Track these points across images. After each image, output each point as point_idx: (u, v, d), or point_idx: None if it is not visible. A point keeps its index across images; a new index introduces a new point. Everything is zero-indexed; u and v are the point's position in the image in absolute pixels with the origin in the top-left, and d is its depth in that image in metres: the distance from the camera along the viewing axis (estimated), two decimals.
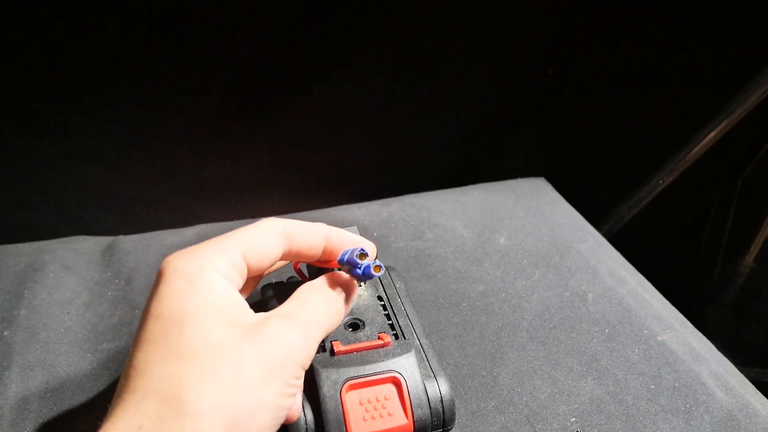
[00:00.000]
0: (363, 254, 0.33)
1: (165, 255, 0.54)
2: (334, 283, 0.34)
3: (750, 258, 0.80)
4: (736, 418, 0.43)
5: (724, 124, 0.68)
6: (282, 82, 0.72)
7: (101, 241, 0.58)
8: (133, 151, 0.75)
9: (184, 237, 0.58)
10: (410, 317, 0.43)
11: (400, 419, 0.36)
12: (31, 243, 0.56)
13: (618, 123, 0.83)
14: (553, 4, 0.72)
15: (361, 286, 0.44)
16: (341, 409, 0.35)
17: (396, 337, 0.40)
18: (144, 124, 0.73)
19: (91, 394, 0.42)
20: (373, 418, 0.36)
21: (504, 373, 0.46)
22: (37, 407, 0.41)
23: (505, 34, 0.74)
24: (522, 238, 0.60)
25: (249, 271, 0.32)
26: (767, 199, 0.78)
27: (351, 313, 0.41)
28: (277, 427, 0.29)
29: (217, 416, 0.25)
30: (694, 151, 0.69)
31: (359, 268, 0.33)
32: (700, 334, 0.51)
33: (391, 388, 0.37)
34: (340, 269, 0.35)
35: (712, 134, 0.69)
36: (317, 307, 0.32)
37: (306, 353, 0.30)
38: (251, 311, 0.30)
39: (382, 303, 0.43)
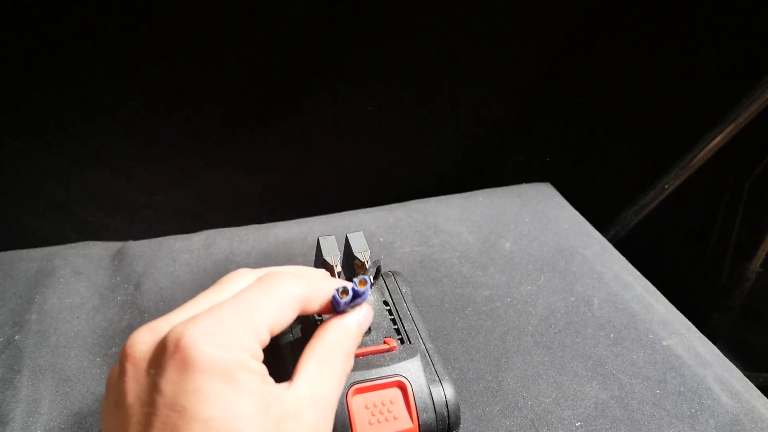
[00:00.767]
0: (344, 291, 0.33)
1: (174, 260, 0.55)
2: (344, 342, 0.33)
3: (757, 262, 0.80)
4: (742, 423, 0.43)
5: (730, 128, 0.68)
6: (288, 89, 0.73)
7: (111, 246, 0.59)
8: (141, 157, 0.76)
9: (192, 242, 0.58)
10: (416, 322, 0.43)
11: (406, 423, 0.36)
12: (42, 248, 0.57)
13: (624, 127, 0.83)
14: (558, 10, 0.72)
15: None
16: (347, 413, 0.35)
17: (401, 341, 0.40)
18: (152, 131, 0.74)
19: (100, 398, 0.43)
20: (378, 421, 0.36)
21: (509, 378, 0.46)
22: (48, 410, 0.41)
23: (511, 40, 0.74)
24: (527, 243, 0.60)
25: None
26: None
27: None
28: None
29: None
30: (700, 156, 0.69)
31: (344, 303, 0.33)
32: (705, 339, 0.51)
33: (396, 392, 0.37)
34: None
35: (719, 138, 0.69)
36: (337, 380, 0.31)
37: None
38: (280, 392, 0.28)
39: (388, 308, 0.43)
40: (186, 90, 0.70)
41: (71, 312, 0.50)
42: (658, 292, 0.56)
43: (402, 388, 0.37)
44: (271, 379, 0.28)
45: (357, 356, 0.38)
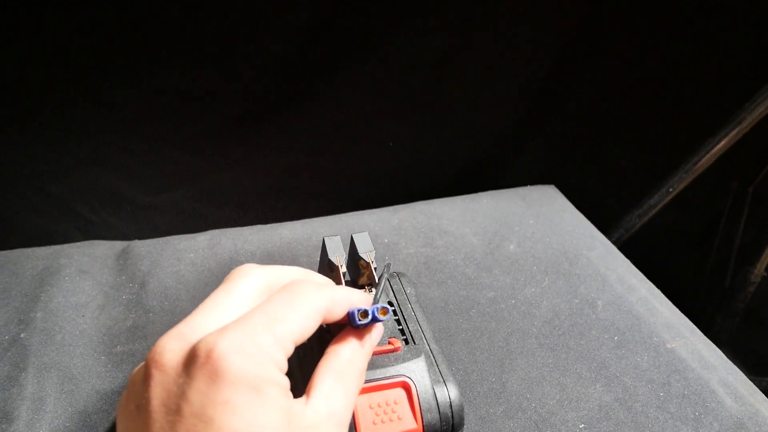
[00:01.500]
0: (364, 313, 0.34)
1: (178, 260, 0.55)
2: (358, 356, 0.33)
3: (761, 267, 0.80)
4: (746, 426, 0.43)
5: (734, 132, 0.68)
6: (293, 90, 0.73)
7: (116, 245, 0.59)
8: (146, 157, 0.76)
9: (197, 242, 0.58)
10: (420, 323, 0.43)
11: (410, 423, 0.36)
12: (48, 247, 0.57)
13: (628, 131, 0.83)
14: (563, 14, 0.72)
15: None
16: (351, 413, 0.36)
17: (406, 342, 0.40)
18: (157, 131, 0.74)
19: (105, 396, 0.43)
20: (383, 422, 0.36)
21: (513, 379, 0.46)
22: (53, 408, 0.42)
23: (516, 43, 0.74)
24: (531, 246, 0.60)
25: None
26: None
27: None
28: None
29: None
30: (704, 160, 0.70)
31: (361, 324, 0.34)
32: (709, 342, 0.51)
33: (400, 393, 0.37)
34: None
35: (723, 143, 0.69)
36: (351, 396, 0.32)
37: None
38: (299, 407, 0.29)
39: (393, 308, 0.43)
40: (191, 90, 0.71)
41: (76, 310, 0.50)
42: (662, 295, 0.56)
43: (406, 388, 0.37)
44: (291, 394, 0.29)
45: None
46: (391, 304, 0.44)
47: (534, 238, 0.61)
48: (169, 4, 0.62)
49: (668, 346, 0.49)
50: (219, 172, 0.80)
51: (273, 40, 0.67)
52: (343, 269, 0.43)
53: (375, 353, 0.38)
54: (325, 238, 0.44)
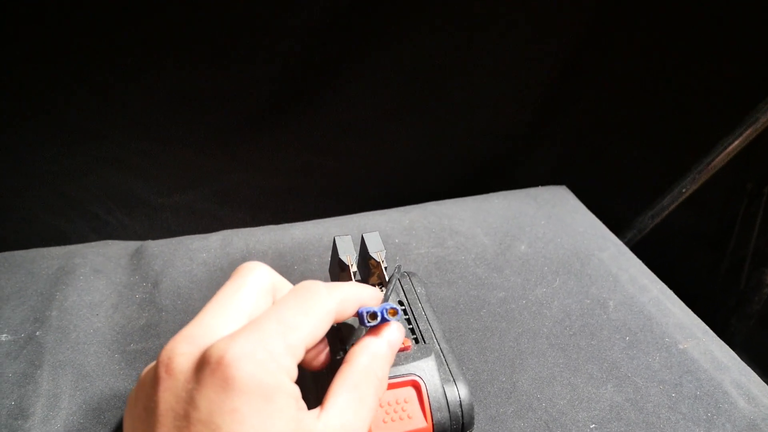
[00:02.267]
0: (372, 315, 0.34)
1: (191, 259, 0.56)
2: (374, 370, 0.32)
3: None
4: (759, 427, 0.43)
5: (749, 131, 0.67)
6: (304, 90, 0.73)
7: (129, 245, 0.59)
8: (160, 158, 0.76)
9: (209, 242, 0.59)
10: (431, 322, 0.43)
11: (420, 422, 0.36)
12: (63, 247, 0.58)
13: (641, 131, 0.82)
14: (574, 12, 0.72)
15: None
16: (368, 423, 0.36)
17: (416, 341, 0.40)
18: (171, 131, 0.74)
19: (118, 393, 0.44)
20: (393, 420, 0.36)
21: (523, 379, 0.46)
22: (67, 405, 0.42)
23: (527, 42, 0.74)
24: (543, 246, 0.60)
25: None
26: None
27: None
28: None
29: None
30: (717, 160, 0.69)
31: (370, 326, 0.34)
32: (722, 343, 0.51)
33: (410, 391, 0.37)
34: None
35: (737, 142, 0.68)
36: (368, 408, 0.31)
37: None
38: (311, 420, 0.28)
39: (403, 308, 0.43)
40: (205, 91, 0.71)
41: (91, 309, 0.51)
42: (675, 296, 0.56)
43: (416, 387, 0.37)
44: (303, 404, 0.28)
45: None
46: (401, 303, 0.44)
47: (545, 239, 0.61)
48: (181, 4, 0.62)
49: (680, 346, 0.49)
50: (232, 172, 0.80)
51: (283, 40, 0.68)
52: (353, 269, 0.43)
53: None
54: (336, 238, 0.44)
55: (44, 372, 0.44)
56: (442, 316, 0.51)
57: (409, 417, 0.36)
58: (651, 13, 0.73)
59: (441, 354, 0.41)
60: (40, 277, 0.54)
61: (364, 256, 0.45)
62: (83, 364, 0.46)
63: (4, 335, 0.47)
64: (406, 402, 0.37)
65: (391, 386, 0.37)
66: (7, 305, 0.50)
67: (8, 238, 0.77)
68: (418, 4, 0.68)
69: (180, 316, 0.51)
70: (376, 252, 0.44)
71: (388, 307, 0.34)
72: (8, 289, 0.52)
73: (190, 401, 0.25)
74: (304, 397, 0.29)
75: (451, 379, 0.38)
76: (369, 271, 0.44)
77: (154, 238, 0.61)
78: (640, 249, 0.68)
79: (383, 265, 0.43)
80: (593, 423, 0.43)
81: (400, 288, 0.46)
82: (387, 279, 0.45)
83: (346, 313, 0.33)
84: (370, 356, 0.32)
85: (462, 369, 0.41)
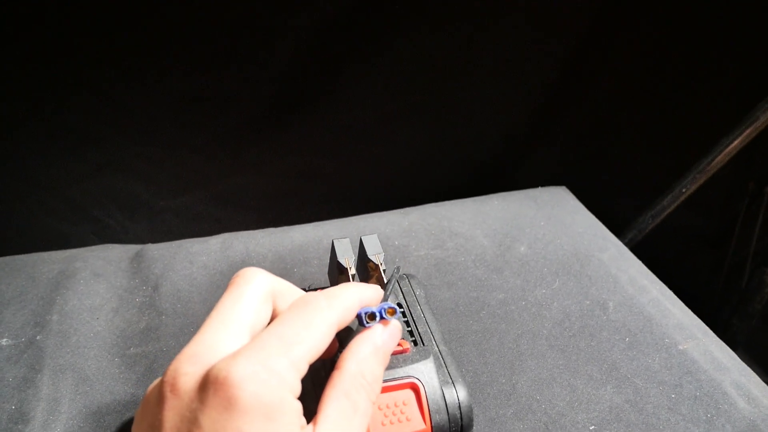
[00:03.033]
0: (371, 316, 0.34)
1: (191, 263, 0.56)
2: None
3: None
4: (759, 428, 0.43)
5: (749, 131, 0.67)
6: (305, 93, 0.73)
7: (130, 249, 0.59)
8: (160, 161, 0.77)
9: (209, 245, 0.59)
10: (429, 324, 0.43)
11: (418, 424, 0.36)
12: (64, 251, 0.58)
13: (640, 131, 0.82)
14: (575, 14, 0.72)
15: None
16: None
17: (415, 343, 0.41)
18: (172, 135, 0.74)
19: (118, 397, 0.44)
20: (391, 423, 0.36)
21: (523, 381, 0.46)
22: (68, 409, 0.42)
23: (527, 44, 0.74)
24: (542, 247, 0.60)
25: None
26: None
27: None
28: None
29: None
30: (717, 160, 0.69)
31: (366, 323, 0.34)
32: (722, 343, 0.51)
33: (409, 394, 0.37)
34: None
35: (737, 142, 0.68)
36: (361, 415, 0.30)
37: None
38: None
39: (402, 310, 0.43)
40: (205, 93, 0.71)
41: (91, 313, 0.51)
42: (675, 296, 0.56)
43: (415, 389, 0.37)
44: (304, 420, 0.28)
45: None
46: (400, 305, 0.44)
47: (545, 240, 0.61)
48: (183, 6, 0.62)
49: (680, 347, 0.49)
50: (233, 175, 0.80)
51: (283, 43, 0.68)
52: (352, 271, 0.43)
53: None
54: (334, 241, 0.44)
55: (44, 376, 0.45)
56: (442, 318, 0.51)
57: (407, 419, 0.36)
58: (651, 14, 0.73)
59: (440, 356, 0.41)
60: (40, 281, 0.54)
61: (362, 258, 0.45)
62: (83, 368, 0.46)
63: (5, 339, 0.48)
64: (404, 404, 0.37)
65: (389, 389, 0.37)
66: (8, 309, 0.50)
67: (10, 242, 0.77)
68: (419, 5, 0.68)
69: (180, 319, 0.51)
70: (375, 255, 0.44)
71: (386, 306, 0.34)
72: (9, 294, 0.52)
73: (194, 421, 0.25)
74: (306, 403, 0.29)
75: (450, 381, 0.39)
76: (368, 273, 0.44)
77: (155, 241, 0.61)
78: (640, 249, 0.68)
79: (382, 268, 0.43)
80: (593, 425, 0.43)
81: (399, 290, 0.46)
82: (386, 281, 0.45)
83: (348, 320, 0.33)
84: (360, 360, 0.31)
85: (461, 371, 0.41)
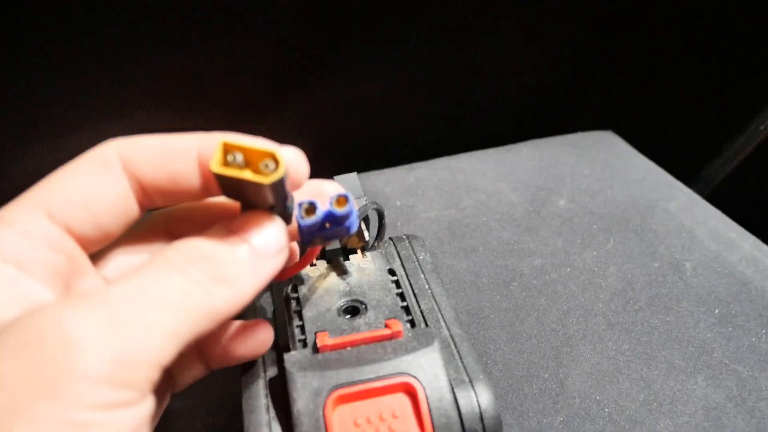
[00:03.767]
0: (310, 208, 0.21)
1: None
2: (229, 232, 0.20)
3: None
4: None
5: None
6: (308, 63, 0.64)
7: None
8: None
9: None
10: (437, 299, 0.30)
11: None
12: None
13: (705, 59, 0.67)
14: None
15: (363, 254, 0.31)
16: None
17: (412, 324, 0.27)
18: (159, 118, 0.65)
19: None
20: None
21: (575, 375, 0.33)
22: None
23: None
24: (588, 200, 0.46)
25: (83, 238, 0.20)
26: None
27: (348, 292, 0.29)
28: None
29: None
30: None
31: (309, 229, 0.22)
32: None
33: (402, 400, 0.24)
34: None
35: None
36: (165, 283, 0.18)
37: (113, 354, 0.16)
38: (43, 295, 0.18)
39: (395, 278, 0.30)
40: (195, 74, 0.62)
41: None
42: None
43: (410, 392, 0.24)
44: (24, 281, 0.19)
45: (343, 347, 0.25)
46: (392, 272, 0.31)
47: (591, 191, 0.47)
48: None
49: None
50: None
51: (284, 6, 0.57)
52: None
53: (362, 341, 0.26)
54: (336, 178, 0.32)
55: None
56: (459, 293, 0.38)
57: None
58: None
59: (451, 342, 0.28)
60: None
61: None
62: None
63: None
64: (395, 417, 0.24)
65: (371, 393, 0.24)
66: None
67: None
68: None
69: None
70: (354, 200, 0.30)
71: (335, 196, 0.21)
72: None
73: None
74: None
75: (466, 379, 0.26)
76: None
77: None
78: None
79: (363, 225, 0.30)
80: None
81: (395, 252, 0.33)
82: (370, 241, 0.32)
83: (147, 161, 0.20)
84: (199, 256, 0.19)
85: (482, 364, 0.28)
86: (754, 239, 0.42)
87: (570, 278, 0.39)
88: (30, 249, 0.18)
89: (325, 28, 0.61)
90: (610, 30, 0.64)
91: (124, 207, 0.20)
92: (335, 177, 0.32)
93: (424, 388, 0.24)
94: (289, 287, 0.29)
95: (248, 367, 0.27)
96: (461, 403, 0.24)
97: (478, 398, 0.25)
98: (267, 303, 0.31)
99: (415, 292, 0.30)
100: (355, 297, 0.29)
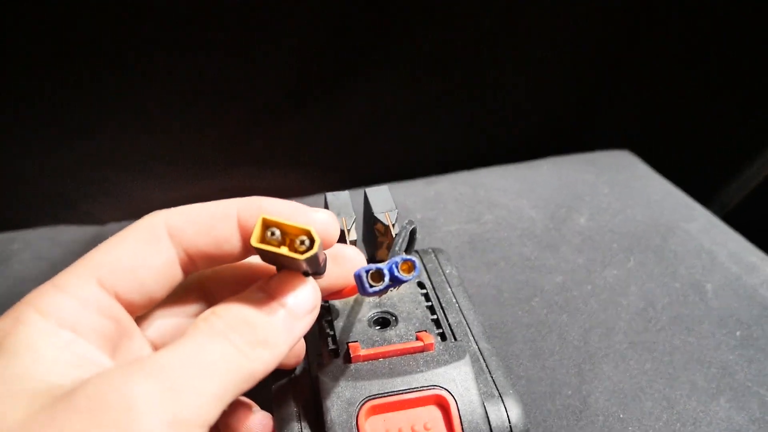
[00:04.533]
0: (377, 274, 0.22)
1: None
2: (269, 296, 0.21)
3: None
4: None
5: None
6: (323, 79, 0.64)
7: (88, 231, 0.48)
8: (161, 155, 0.68)
9: None
10: (464, 313, 0.30)
11: None
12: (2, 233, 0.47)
13: (722, 82, 0.67)
14: None
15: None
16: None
17: (443, 337, 0.28)
18: (173, 126, 0.65)
19: None
20: None
21: (598, 392, 0.33)
22: None
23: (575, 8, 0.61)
24: (609, 218, 0.47)
25: (130, 303, 0.21)
26: None
27: (378, 303, 0.29)
28: None
29: None
30: None
31: (374, 292, 0.22)
32: None
33: (434, 412, 0.25)
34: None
35: None
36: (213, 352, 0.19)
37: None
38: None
39: (424, 291, 0.30)
40: (207, 85, 0.62)
41: None
42: None
43: (443, 405, 0.25)
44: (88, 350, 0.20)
45: (376, 358, 0.26)
46: (421, 285, 0.31)
47: (611, 210, 0.48)
48: None
49: None
50: (234, 170, 0.72)
51: (302, 24, 0.58)
52: (351, 236, 0.30)
53: (395, 353, 0.26)
54: (328, 195, 0.32)
55: None
56: (480, 307, 0.38)
57: None
58: None
59: (480, 357, 0.28)
60: None
61: (368, 220, 0.32)
62: None
63: None
64: (426, 429, 0.24)
65: (404, 405, 0.24)
66: None
67: None
68: None
69: None
70: (384, 213, 0.31)
71: (398, 260, 0.22)
72: None
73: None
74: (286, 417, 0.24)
75: (497, 394, 0.26)
76: (375, 239, 0.32)
77: None
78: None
79: (393, 231, 0.30)
80: None
81: (421, 265, 0.33)
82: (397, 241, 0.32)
83: (192, 230, 0.22)
84: (239, 321, 0.20)
85: (511, 379, 0.28)
86: None
87: (591, 296, 0.39)
88: (84, 315, 0.19)
89: (348, 41, 0.61)
90: (629, 49, 0.65)
91: (169, 273, 0.21)
92: (366, 189, 0.32)
93: (456, 401, 0.24)
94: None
95: (279, 375, 0.28)
96: (491, 417, 0.25)
97: (508, 413, 0.25)
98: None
99: (443, 305, 0.31)
100: (385, 309, 0.29)
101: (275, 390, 0.27)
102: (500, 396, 0.26)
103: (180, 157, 0.69)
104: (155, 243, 0.21)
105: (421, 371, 0.25)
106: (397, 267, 0.22)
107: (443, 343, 0.27)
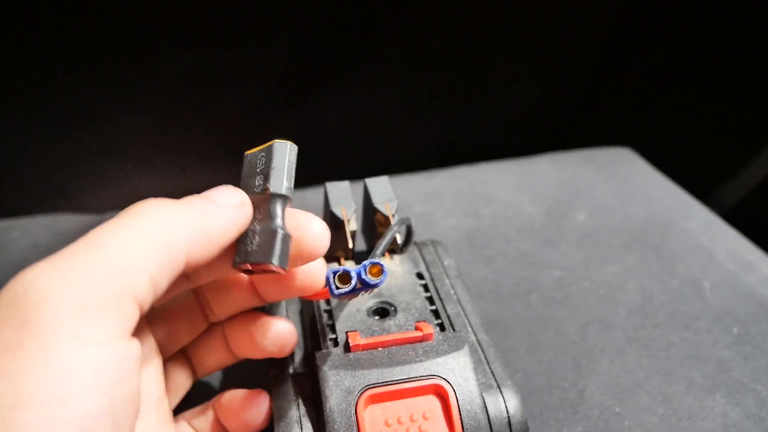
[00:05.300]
0: (344, 276, 0.23)
1: None
2: None
3: None
4: None
5: None
6: (321, 72, 0.63)
7: (86, 219, 0.48)
8: (162, 145, 0.67)
9: None
10: (463, 304, 0.31)
11: None
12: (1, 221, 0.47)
13: (722, 81, 0.67)
14: None
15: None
16: (356, 431, 0.23)
17: (441, 327, 0.28)
18: (173, 118, 0.65)
19: None
20: None
21: (594, 386, 0.33)
22: None
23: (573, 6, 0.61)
24: (607, 215, 0.47)
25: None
26: None
27: (377, 294, 0.29)
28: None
29: None
30: None
31: (340, 294, 0.23)
32: None
33: (432, 402, 0.25)
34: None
35: None
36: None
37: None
38: None
39: (423, 282, 0.31)
40: (206, 76, 0.62)
41: None
42: None
43: (442, 395, 0.25)
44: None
45: (375, 347, 0.26)
46: (420, 276, 0.31)
47: (610, 206, 0.48)
48: None
49: None
50: (239, 157, 0.70)
51: (299, 14, 0.57)
52: (351, 226, 0.30)
53: (396, 342, 0.26)
54: (328, 185, 0.32)
55: None
56: (478, 301, 0.38)
57: None
58: None
59: (479, 348, 0.28)
60: None
61: (367, 210, 0.32)
62: None
63: None
64: (425, 418, 0.24)
65: (403, 394, 0.24)
66: None
67: None
68: None
69: None
70: (384, 203, 0.31)
71: (368, 263, 0.22)
72: None
73: None
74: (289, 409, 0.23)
75: (495, 385, 0.26)
76: (374, 229, 0.32)
77: None
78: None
79: (393, 221, 0.30)
80: None
81: (420, 257, 0.33)
82: (401, 241, 0.32)
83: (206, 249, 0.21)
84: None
85: (509, 370, 0.28)
86: None
87: (589, 292, 0.40)
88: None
89: (345, 35, 0.61)
90: (628, 47, 0.65)
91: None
92: (366, 180, 0.32)
93: (455, 390, 0.24)
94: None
95: (277, 363, 0.28)
96: (490, 407, 0.25)
97: (506, 403, 0.25)
98: (294, 302, 0.31)
99: (441, 296, 0.31)
100: (384, 299, 0.29)
101: (274, 378, 0.27)
102: (498, 387, 0.26)
103: (178, 148, 0.69)
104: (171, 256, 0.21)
105: (420, 361, 0.25)
106: (365, 270, 0.22)
107: (442, 333, 0.27)
